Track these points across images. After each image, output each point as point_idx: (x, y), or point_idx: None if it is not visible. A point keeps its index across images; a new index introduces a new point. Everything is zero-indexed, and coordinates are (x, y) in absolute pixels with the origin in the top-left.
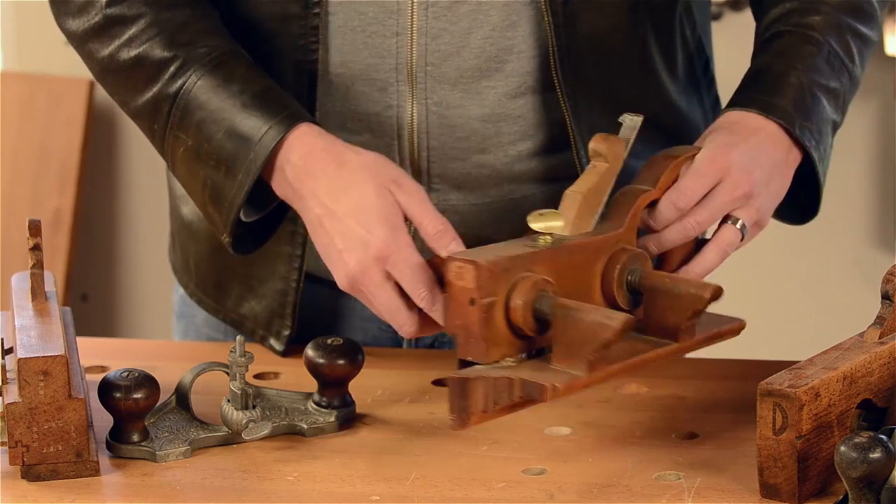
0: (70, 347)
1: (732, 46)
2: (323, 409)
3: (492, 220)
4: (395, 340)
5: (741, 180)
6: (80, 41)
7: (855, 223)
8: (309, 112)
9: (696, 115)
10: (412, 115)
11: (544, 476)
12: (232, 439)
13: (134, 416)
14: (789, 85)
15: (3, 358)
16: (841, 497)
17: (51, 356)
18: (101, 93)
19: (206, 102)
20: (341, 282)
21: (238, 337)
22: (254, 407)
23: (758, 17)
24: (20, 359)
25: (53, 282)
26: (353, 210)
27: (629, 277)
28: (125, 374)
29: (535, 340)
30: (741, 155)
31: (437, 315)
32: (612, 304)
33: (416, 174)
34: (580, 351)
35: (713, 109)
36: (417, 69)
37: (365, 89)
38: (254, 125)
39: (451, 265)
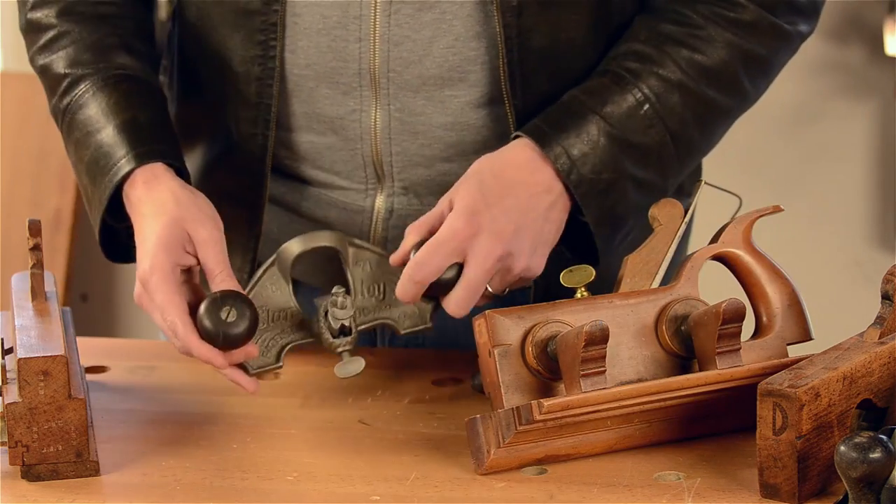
0: (70, 347)
1: None
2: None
3: None
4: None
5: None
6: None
7: (855, 223)
8: (267, 109)
9: None
10: (375, 120)
11: (544, 476)
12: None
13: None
14: (571, 114)
15: (3, 358)
16: (841, 497)
17: (51, 356)
18: None
19: (84, 123)
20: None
21: (341, 292)
22: (349, 333)
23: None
24: (20, 359)
25: (53, 282)
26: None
27: (682, 326)
28: (225, 313)
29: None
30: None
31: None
32: (671, 354)
33: (381, 179)
34: (574, 371)
35: None
36: (380, 75)
37: (329, 92)
38: (111, 156)
39: (474, 325)
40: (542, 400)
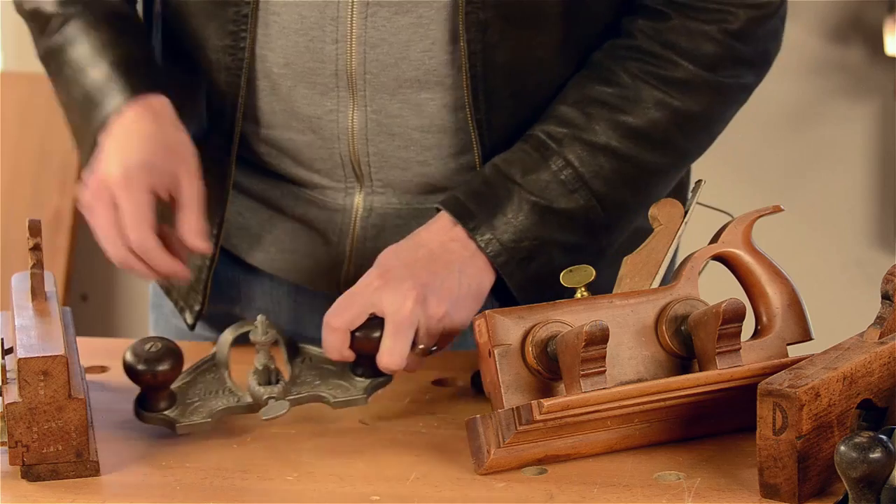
0: (70, 347)
1: None
2: (357, 378)
3: None
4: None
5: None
6: None
7: (855, 223)
8: (234, 100)
9: None
10: (352, 121)
11: (544, 476)
12: (254, 409)
13: (156, 388)
14: (490, 185)
15: (3, 358)
16: (841, 497)
17: (51, 356)
18: None
19: (76, 60)
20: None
21: (259, 316)
22: (276, 382)
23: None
24: (20, 359)
25: (53, 282)
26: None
27: (682, 326)
28: (148, 345)
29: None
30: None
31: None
32: (671, 354)
33: (359, 179)
34: (574, 371)
35: None
36: (357, 76)
37: (307, 91)
38: (106, 91)
39: (474, 325)
40: (542, 400)
